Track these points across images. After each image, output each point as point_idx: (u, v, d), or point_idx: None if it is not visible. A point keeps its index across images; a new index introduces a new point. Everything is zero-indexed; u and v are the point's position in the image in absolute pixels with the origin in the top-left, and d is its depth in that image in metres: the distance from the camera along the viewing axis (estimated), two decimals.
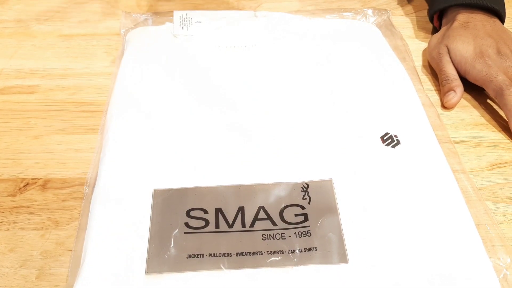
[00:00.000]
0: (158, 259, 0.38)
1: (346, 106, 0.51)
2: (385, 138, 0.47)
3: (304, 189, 0.43)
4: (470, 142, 0.50)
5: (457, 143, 0.50)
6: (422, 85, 0.56)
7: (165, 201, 0.42)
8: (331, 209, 0.41)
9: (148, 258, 0.38)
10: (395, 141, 0.47)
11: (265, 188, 0.43)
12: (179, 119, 0.50)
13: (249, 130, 0.48)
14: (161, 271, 0.38)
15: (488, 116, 0.53)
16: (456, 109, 0.54)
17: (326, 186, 0.43)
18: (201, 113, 0.50)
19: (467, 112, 0.54)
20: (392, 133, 0.48)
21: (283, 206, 0.42)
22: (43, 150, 0.49)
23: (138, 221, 0.41)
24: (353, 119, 0.50)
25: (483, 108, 0.54)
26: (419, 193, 0.43)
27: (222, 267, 0.38)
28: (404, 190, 0.43)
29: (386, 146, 0.46)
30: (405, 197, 0.43)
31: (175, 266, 0.38)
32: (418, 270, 0.38)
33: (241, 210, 0.42)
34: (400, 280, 0.37)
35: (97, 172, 0.45)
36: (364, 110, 0.51)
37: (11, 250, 0.41)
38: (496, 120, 0.53)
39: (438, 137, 0.48)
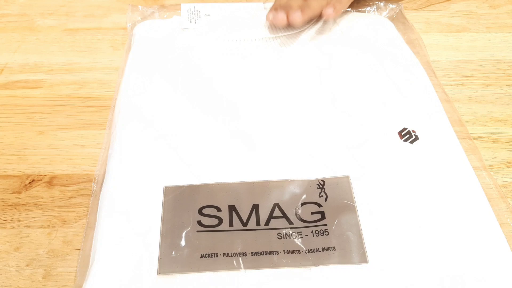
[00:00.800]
0: (171, 259, 0.37)
1: (363, 101, 0.50)
2: (403, 133, 0.46)
3: (321, 186, 0.42)
4: (488, 138, 0.49)
5: (475, 139, 0.48)
6: (438, 79, 0.54)
7: (177, 198, 0.41)
8: (348, 207, 0.40)
9: (160, 258, 0.37)
10: (414, 137, 0.45)
11: (280, 184, 0.42)
12: (187, 120, 0.48)
13: (256, 134, 0.47)
14: (173, 271, 0.36)
15: (506, 111, 0.52)
16: (473, 104, 0.52)
17: (343, 183, 0.42)
18: (208, 116, 0.49)
19: (484, 107, 0.52)
20: (410, 128, 0.46)
21: (299, 203, 0.41)
22: (49, 146, 0.48)
23: (148, 219, 0.39)
24: (370, 114, 0.48)
25: (501, 103, 0.53)
26: (439, 190, 0.41)
27: (237, 267, 0.36)
28: (424, 187, 0.42)
29: (404, 142, 0.45)
30: (425, 194, 0.41)
31: (188, 266, 0.36)
32: (441, 270, 0.36)
33: (255, 207, 0.40)
34: (423, 280, 0.36)
35: (105, 169, 0.44)
36: (381, 105, 0.49)
37: (16, 248, 0.40)
38: None
39: (457, 133, 0.47)
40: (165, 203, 0.40)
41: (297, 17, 0.55)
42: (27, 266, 0.38)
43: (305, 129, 0.47)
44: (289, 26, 0.57)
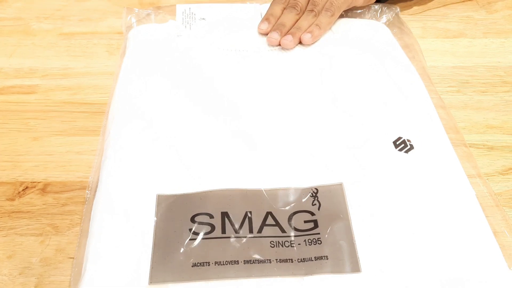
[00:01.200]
0: (162, 268, 0.37)
1: (356, 109, 0.49)
2: (397, 143, 0.46)
3: (314, 194, 0.41)
4: (483, 145, 0.49)
5: (470, 146, 0.48)
6: (434, 85, 0.54)
7: (170, 207, 0.40)
8: (342, 215, 0.40)
9: (152, 267, 0.37)
10: (408, 146, 0.45)
11: (273, 192, 0.42)
12: (182, 124, 0.48)
13: (256, 135, 0.47)
14: (165, 280, 0.36)
15: (502, 118, 0.52)
16: (468, 111, 0.52)
17: (337, 191, 0.42)
18: (205, 119, 0.48)
19: (480, 114, 0.52)
20: (405, 137, 0.46)
21: (291, 212, 0.40)
22: (43, 152, 0.47)
23: (141, 228, 0.39)
24: (363, 123, 0.48)
25: (497, 110, 0.52)
26: (433, 199, 0.41)
27: (228, 276, 0.36)
28: (418, 196, 0.41)
29: (399, 151, 0.45)
30: (419, 203, 0.41)
31: (180, 275, 0.36)
32: (434, 279, 0.36)
33: (248, 215, 0.40)
34: None
35: (99, 176, 0.44)
36: (375, 114, 0.49)
37: (9, 257, 0.39)
38: (510, 123, 0.51)
39: (452, 140, 0.47)
40: (158, 211, 0.40)
41: (289, 43, 0.57)
42: (19, 274, 0.38)
43: (299, 139, 0.47)
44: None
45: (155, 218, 0.40)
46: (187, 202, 0.41)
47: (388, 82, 0.53)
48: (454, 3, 0.68)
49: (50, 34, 0.63)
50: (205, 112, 0.49)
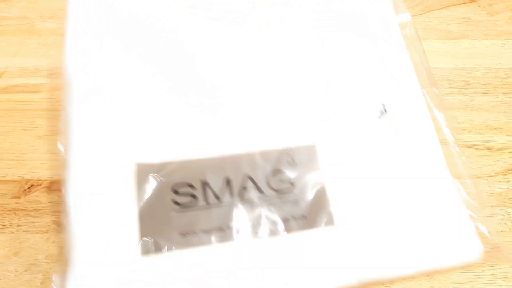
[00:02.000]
0: (152, 239, 0.38)
1: (343, 89, 0.49)
2: (375, 112, 0.47)
3: (289, 155, 0.43)
4: (484, 146, 0.49)
5: (470, 147, 0.49)
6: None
7: (149, 177, 0.40)
8: (315, 174, 0.42)
9: (142, 239, 0.38)
10: (384, 111, 0.47)
11: (250, 156, 0.43)
12: (151, 96, 0.44)
13: (230, 101, 0.45)
14: (156, 250, 0.37)
15: (502, 119, 0.52)
16: (469, 112, 0.53)
17: (310, 151, 0.43)
18: (179, 89, 0.45)
19: (480, 115, 0.53)
20: (384, 106, 0.47)
21: (269, 173, 0.42)
22: (48, 150, 0.48)
23: (123, 201, 0.39)
24: (349, 97, 0.48)
25: (497, 111, 0.53)
26: (404, 162, 0.44)
27: (215, 241, 0.38)
28: (391, 158, 0.44)
29: (373, 116, 0.46)
30: (392, 165, 0.43)
31: (170, 244, 0.38)
32: (404, 233, 0.40)
33: (227, 181, 0.41)
34: (386, 240, 0.40)
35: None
36: (360, 89, 0.49)
37: (15, 253, 0.40)
38: (510, 124, 0.51)
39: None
40: (137, 182, 0.40)
41: None
42: (25, 271, 0.39)
43: (273, 105, 0.46)
44: None
45: (136, 189, 0.40)
46: (167, 172, 0.41)
47: (381, 69, 0.51)
48: (455, 4, 0.69)
49: (55, 33, 0.63)
50: (179, 85, 0.45)
